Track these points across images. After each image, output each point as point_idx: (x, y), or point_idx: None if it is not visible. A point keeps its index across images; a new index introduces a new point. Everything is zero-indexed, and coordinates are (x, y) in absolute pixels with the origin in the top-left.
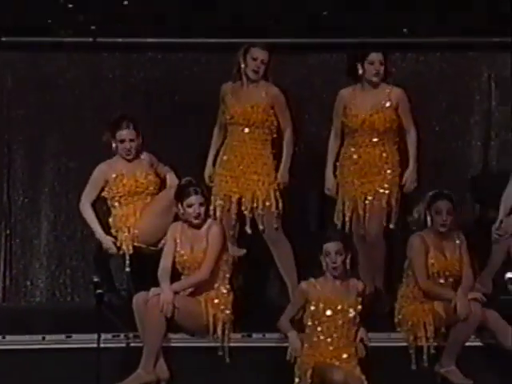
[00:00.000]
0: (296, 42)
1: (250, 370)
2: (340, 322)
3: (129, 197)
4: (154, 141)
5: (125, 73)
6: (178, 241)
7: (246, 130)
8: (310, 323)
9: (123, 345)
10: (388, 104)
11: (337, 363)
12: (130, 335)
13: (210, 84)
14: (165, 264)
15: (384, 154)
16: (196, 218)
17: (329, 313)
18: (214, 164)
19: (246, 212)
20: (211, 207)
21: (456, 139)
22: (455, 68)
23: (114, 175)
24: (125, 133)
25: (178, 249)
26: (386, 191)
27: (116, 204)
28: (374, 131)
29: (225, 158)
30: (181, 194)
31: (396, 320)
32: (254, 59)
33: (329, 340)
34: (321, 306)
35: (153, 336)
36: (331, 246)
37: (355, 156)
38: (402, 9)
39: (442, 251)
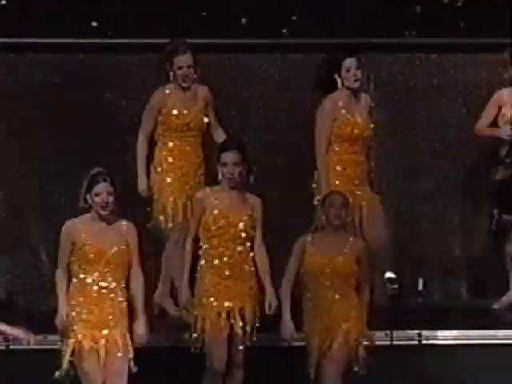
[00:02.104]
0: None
1: None
2: (229, 236)
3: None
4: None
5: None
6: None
7: (194, 133)
8: (203, 237)
9: None
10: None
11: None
12: None
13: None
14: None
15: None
16: (103, 207)
17: (221, 222)
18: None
19: None
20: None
21: None
22: None
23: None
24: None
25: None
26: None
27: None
28: (362, 141)
29: (170, 160)
30: (90, 183)
31: None
32: (180, 68)
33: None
34: (215, 213)
35: None
36: (229, 156)
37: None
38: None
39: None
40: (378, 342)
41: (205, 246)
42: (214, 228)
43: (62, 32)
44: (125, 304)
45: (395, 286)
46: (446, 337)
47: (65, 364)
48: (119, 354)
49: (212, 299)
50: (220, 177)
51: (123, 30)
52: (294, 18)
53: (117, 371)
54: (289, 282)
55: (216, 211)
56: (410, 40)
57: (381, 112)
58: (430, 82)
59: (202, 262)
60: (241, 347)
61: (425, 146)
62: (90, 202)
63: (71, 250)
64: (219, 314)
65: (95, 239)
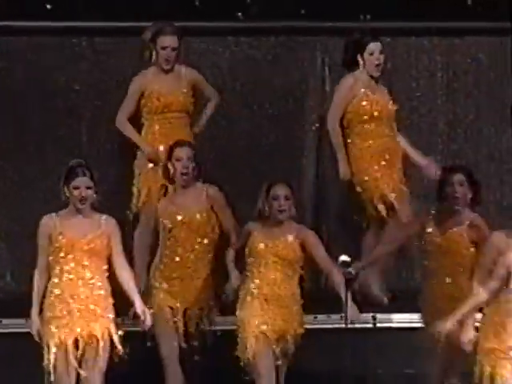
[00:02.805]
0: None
1: None
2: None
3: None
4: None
5: None
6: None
7: (177, 115)
8: None
9: None
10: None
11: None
12: None
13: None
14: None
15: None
16: (81, 201)
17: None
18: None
19: None
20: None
21: (291, 124)
22: (289, 53)
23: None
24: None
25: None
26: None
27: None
28: (388, 120)
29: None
30: (68, 176)
31: None
32: (163, 48)
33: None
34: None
35: None
36: (183, 152)
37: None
38: None
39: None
40: (333, 326)
41: None
42: None
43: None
44: (106, 296)
45: (350, 269)
46: (400, 320)
47: (50, 366)
48: (98, 349)
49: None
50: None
51: (74, 12)
52: (248, 0)
53: (93, 366)
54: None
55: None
56: (363, 24)
57: None
58: (384, 66)
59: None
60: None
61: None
62: (67, 195)
63: (49, 246)
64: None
65: (69, 229)
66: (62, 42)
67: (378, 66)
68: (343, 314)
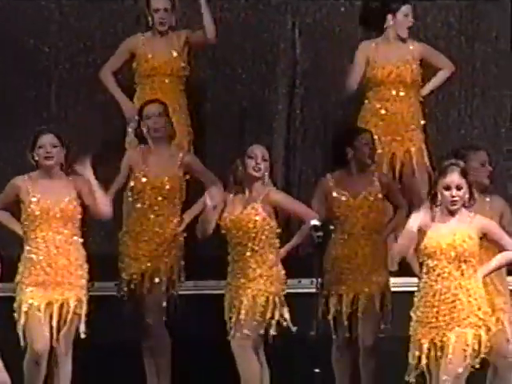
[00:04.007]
0: None
1: None
2: None
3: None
4: None
5: None
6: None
7: (167, 79)
8: None
9: None
10: (412, 57)
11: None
12: None
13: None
14: None
15: (411, 109)
16: (47, 158)
17: None
18: None
19: None
20: None
21: (263, 88)
22: (260, 16)
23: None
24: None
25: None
26: (415, 148)
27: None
28: (400, 84)
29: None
30: (34, 141)
31: None
32: (156, 11)
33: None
34: None
35: None
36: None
37: (382, 111)
38: None
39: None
40: (303, 290)
41: None
42: None
43: None
44: (81, 262)
45: (320, 233)
46: None
47: (20, 329)
48: (70, 318)
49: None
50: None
51: None
52: None
53: (64, 334)
54: None
55: None
56: None
57: (306, 59)
58: (355, 30)
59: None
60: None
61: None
62: (36, 158)
63: (12, 200)
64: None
65: (41, 196)
66: (31, 5)
67: (409, 28)
68: (313, 280)
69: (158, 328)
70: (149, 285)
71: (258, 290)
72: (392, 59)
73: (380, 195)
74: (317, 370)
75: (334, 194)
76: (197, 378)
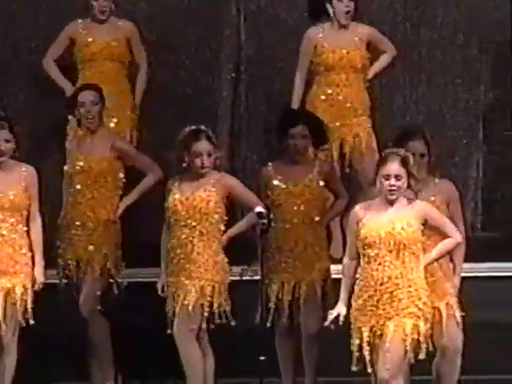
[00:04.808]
0: None
1: None
2: None
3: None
4: None
5: None
6: None
7: (108, 65)
8: None
9: None
10: (360, 41)
11: None
12: None
13: None
14: None
15: (361, 94)
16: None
17: None
18: None
19: None
20: None
21: (207, 75)
22: (204, 2)
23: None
24: None
25: None
26: (364, 133)
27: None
28: (351, 68)
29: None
30: None
31: None
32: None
33: None
34: None
35: None
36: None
37: (332, 97)
38: None
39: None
40: (247, 277)
41: None
42: None
43: None
44: (25, 251)
45: (265, 220)
46: None
47: None
48: (17, 306)
49: None
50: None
51: None
52: None
53: (10, 322)
54: None
55: None
56: None
57: (250, 45)
58: (301, 16)
59: None
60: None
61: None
62: None
63: None
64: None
65: None
66: None
67: (347, 12)
68: (244, 267)
69: (93, 317)
70: (84, 272)
71: (206, 280)
72: (342, 44)
73: (321, 183)
74: (262, 358)
75: (275, 182)
76: (140, 366)
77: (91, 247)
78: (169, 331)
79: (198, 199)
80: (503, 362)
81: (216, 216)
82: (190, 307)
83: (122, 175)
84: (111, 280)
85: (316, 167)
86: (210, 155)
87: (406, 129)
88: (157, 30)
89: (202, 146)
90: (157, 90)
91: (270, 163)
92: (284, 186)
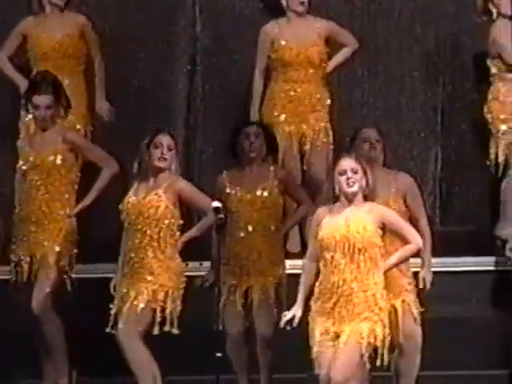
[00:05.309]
0: None
1: None
2: None
3: None
4: None
5: None
6: None
7: (62, 61)
8: None
9: None
10: (319, 36)
11: None
12: None
13: None
14: None
15: (319, 89)
16: None
17: None
18: None
19: None
20: None
21: (163, 66)
22: None
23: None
24: None
25: None
26: (321, 128)
27: None
28: (309, 64)
29: None
30: None
31: None
32: None
33: None
34: None
35: None
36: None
37: (291, 93)
38: None
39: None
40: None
41: None
42: None
43: None
44: None
45: (221, 215)
46: None
47: None
48: None
49: None
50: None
51: None
52: None
53: None
54: None
55: None
56: None
57: (206, 37)
58: (257, 7)
59: None
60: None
61: (250, 71)
62: None
63: None
64: None
65: None
66: None
67: (301, 3)
68: (201, 262)
69: (45, 314)
70: (37, 268)
71: (159, 285)
72: (299, 40)
73: (276, 190)
74: (218, 354)
75: (228, 190)
76: (94, 364)
77: (46, 243)
78: (108, 330)
79: (148, 205)
80: (460, 358)
81: (166, 221)
82: (139, 309)
83: (76, 169)
84: (65, 276)
85: (271, 174)
86: (170, 149)
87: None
88: (111, 21)
89: (164, 137)
90: (112, 82)
91: (225, 171)
92: (238, 195)
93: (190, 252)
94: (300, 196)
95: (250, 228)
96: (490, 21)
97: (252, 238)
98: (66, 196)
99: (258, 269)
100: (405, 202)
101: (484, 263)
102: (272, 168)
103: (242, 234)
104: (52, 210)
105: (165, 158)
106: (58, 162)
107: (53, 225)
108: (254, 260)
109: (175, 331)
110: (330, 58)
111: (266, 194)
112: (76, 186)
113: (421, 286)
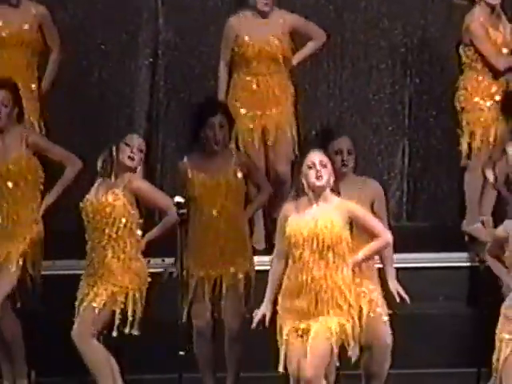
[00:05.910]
0: None
1: None
2: None
3: None
4: None
5: None
6: None
7: (18, 52)
8: None
9: None
10: (283, 32)
11: None
12: None
13: None
14: None
15: (283, 82)
16: None
17: None
18: None
19: None
20: None
21: (125, 59)
22: None
23: None
24: None
25: None
26: (286, 123)
27: None
28: (272, 61)
29: None
30: None
31: None
32: None
33: None
34: None
35: None
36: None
37: (254, 86)
38: None
39: None
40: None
41: None
42: None
43: None
44: None
45: (184, 210)
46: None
47: None
48: None
49: None
50: None
51: None
52: None
53: None
54: None
55: None
56: None
57: (169, 29)
58: (219, 1)
59: None
60: None
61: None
62: None
63: None
64: None
65: None
66: None
67: (266, 4)
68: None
69: (4, 313)
70: None
71: (120, 287)
72: (263, 35)
73: (239, 175)
74: (181, 353)
75: (190, 176)
76: (54, 363)
77: (11, 247)
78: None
79: (105, 203)
80: (429, 356)
81: (124, 220)
82: (96, 310)
83: (41, 172)
84: (27, 274)
85: (233, 159)
86: (140, 151)
87: (327, 129)
88: (72, 12)
89: (136, 138)
90: (73, 74)
91: (185, 156)
92: (201, 180)
93: (151, 248)
94: (261, 182)
95: (214, 212)
96: (466, 6)
97: (217, 222)
98: (34, 200)
99: (226, 258)
100: (372, 208)
101: (452, 259)
102: (234, 152)
103: (205, 220)
104: (21, 218)
105: (133, 158)
106: (24, 168)
107: (20, 230)
108: (220, 246)
109: (135, 333)
110: (296, 50)
111: (229, 178)
112: (41, 188)
113: (398, 301)
